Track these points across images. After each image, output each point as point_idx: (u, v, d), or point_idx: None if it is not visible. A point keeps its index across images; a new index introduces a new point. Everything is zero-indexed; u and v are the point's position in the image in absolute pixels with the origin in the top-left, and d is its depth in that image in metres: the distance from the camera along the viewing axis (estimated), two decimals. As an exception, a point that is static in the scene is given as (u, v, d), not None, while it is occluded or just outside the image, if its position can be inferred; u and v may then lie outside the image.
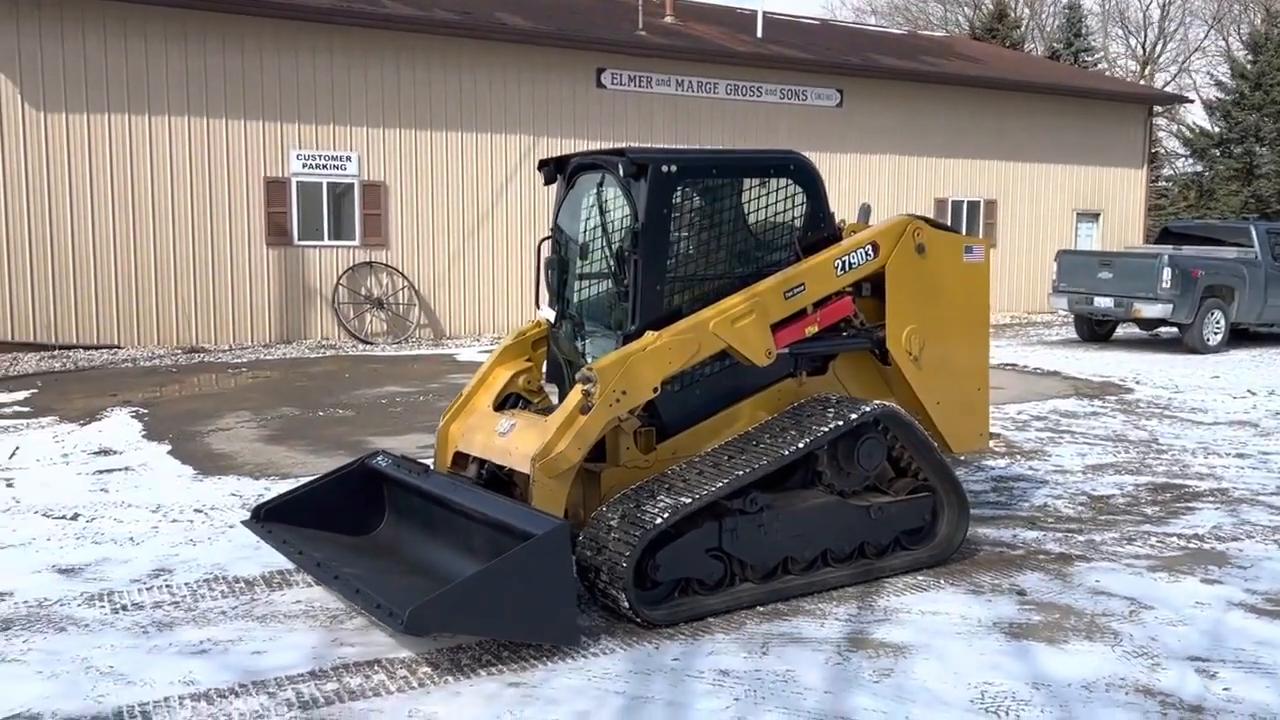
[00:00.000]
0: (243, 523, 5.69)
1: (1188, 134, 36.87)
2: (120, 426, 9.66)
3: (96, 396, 11.32)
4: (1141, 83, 40.69)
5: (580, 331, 5.90)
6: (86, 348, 14.86)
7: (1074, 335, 18.04)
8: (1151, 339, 17.99)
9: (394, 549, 5.54)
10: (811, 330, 5.76)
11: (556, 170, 6.04)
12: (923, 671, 4.44)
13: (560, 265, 5.97)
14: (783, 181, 5.83)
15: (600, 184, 5.75)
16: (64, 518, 6.71)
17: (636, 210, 5.37)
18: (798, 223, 5.88)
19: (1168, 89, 39.13)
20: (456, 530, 5.20)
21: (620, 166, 5.40)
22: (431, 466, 5.77)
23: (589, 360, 5.56)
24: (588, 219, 5.86)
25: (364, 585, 4.64)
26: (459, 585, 4.38)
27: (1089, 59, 38.22)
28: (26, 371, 13.28)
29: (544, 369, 6.11)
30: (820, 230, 5.93)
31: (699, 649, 4.68)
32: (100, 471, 7.98)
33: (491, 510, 4.91)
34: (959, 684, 4.33)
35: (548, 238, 6.09)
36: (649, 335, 5.21)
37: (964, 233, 22.04)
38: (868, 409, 5.55)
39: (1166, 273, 15.68)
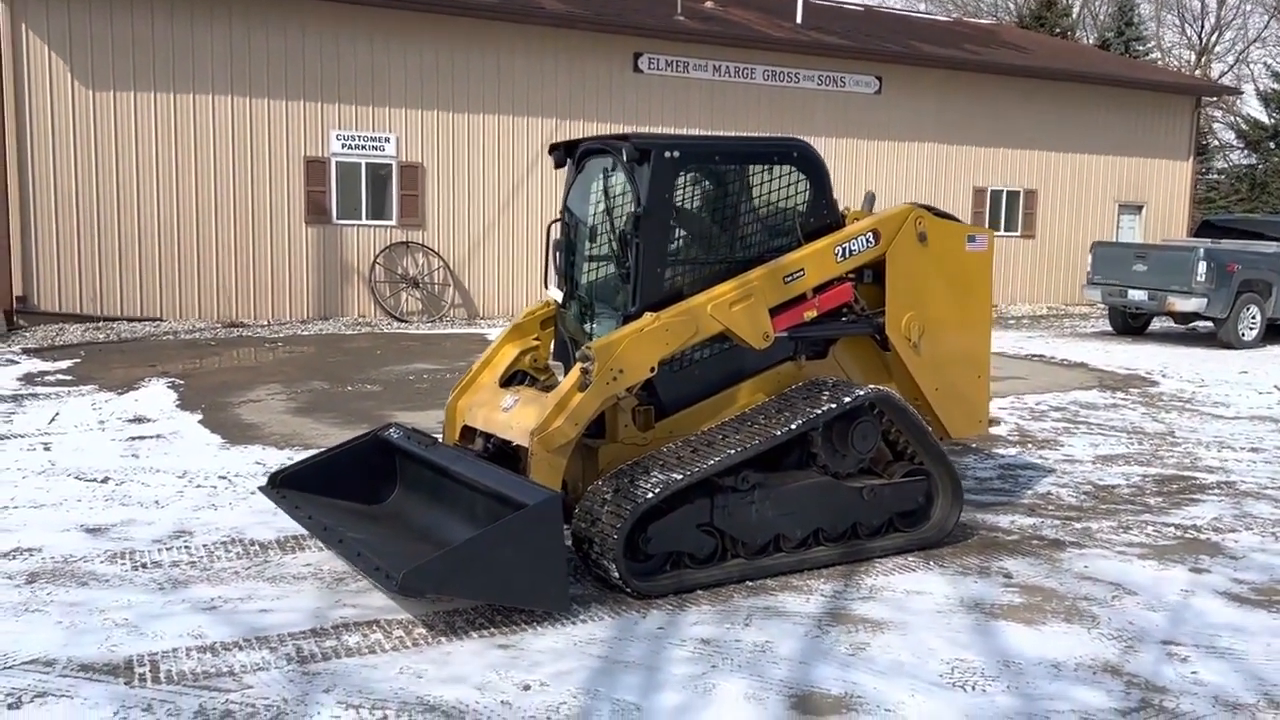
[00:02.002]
0: (259, 488, 5.94)
1: (1242, 125, 36.19)
2: (156, 396, 10.01)
3: (136, 367, 11.70)
4: (1197, 73, 39.99)
5: (587, 312, 6.07)
6: (130, 320, 15.30)
7: (1109, 328, 17.92)
8: (1187, 333, 17.82)
9: (402, 517, 5.77)
10: (810, 315, 5.88)
11: (566, 154, 6.21)
12: (897, 647, 4.59)
13: (568, 247, 6.15)
14: (786, 168, 5.95)
15: (607, 168, 5.91)
16: (95, 480, 7.03)
17: (639, 194, 5.52)
18: (800, 209, 6.00)
19: (1224, 80, 38.43)
20: (460, 500, 5.42)
21: (624, 151, 5.56)
22: (440, 439, 5.99)
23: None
24: (595, 202, 6.03)
25: (366, 549, 4.87)
26: (452, 550, 4.59)
27: (1140, 48, 37.60)
28: (71, 342, 13.72)
29: (551, 348, 6.30)
30: (823, 217, 6.05)
31: (684, 619, 4.86)
32: (133, 438, 8.31)
33: (491, 481, 5.12)
34: (930, 659, 4.46)
35: (557, 220, 6.27)
36: (647, 316, 5.38)
37: (1004, 223, 22.16)
38: (862, 393, 5.67)
39: (1201, 266, 15.53)
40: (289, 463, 7.22)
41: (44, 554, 5.56)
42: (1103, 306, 18.45)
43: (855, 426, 5.70)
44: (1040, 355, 14.65)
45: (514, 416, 5.52)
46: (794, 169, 5.95)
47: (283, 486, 5.80)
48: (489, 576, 4.56)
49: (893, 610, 5.02)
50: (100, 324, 14.98)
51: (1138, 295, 16.40)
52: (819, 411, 5.52)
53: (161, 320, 15.53)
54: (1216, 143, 38.42)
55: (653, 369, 5.38)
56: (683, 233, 5.72)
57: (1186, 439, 9.17)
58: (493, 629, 4.69)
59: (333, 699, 3.98)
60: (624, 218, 5.67)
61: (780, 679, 4.24)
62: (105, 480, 7.04)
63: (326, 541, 5.23)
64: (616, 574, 4.97)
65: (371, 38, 16.51)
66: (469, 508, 5.32)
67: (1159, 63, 38.60)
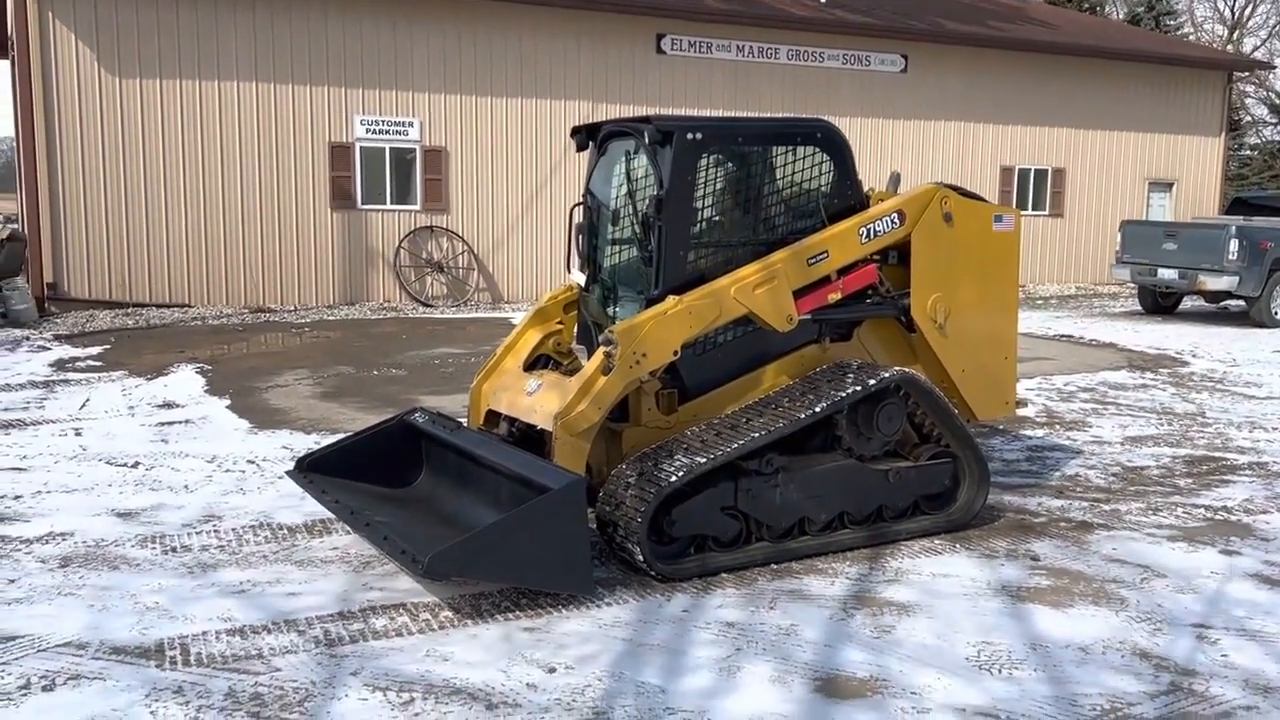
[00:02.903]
0: (286, 473, 5.99)
1: (1275, 100, 35.61)
2: (185, 382, 10.10)
3: (165, 353, 11.81)
4: (1229, 48, 39.35)
5: (610, 296, 6.07)
6: (159, 306, 15.43)
7: (1138, 308, 17.73)
8: (1218, 312, 17.60)
9: (427, 500, 5.80)
10: (834, 297, 5.85)
11: (588, 137, 6.19)
12: (923, 630, 4.57)
13: (591, 231, 6.14)
14: (809, 149, 5.90)
15: (630, 151, 5.89)
16: (125, 465, 7.10)
17: (661, 177, 5.50)
18: (824, 191, 5.96)
19: (1256, 54, 37.80)
20: (485, 484, 5.44)
21: (646, 133, 5.53)
22: (465, 423, 6.01)
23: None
24: (618, 185, 6.01)
25: (392, 533, 4.90)
26: (477, 534, 4.61)
27: (1171, 23, 37.02)
28: (101, 328, 13.86)
29: (575, 331, 6.30)
30: (847, 198, 6.00)
31: (708, 602, 4.86)
32: (163, 424, 8.39)
33: (515, 465, 5.13)
34: (957, 643, 4.45)
35: (579, 203, 6.25)
36: (670, 300, 5.36)
37: (1032, 202, 21.94)
38: (887, 375, 5.64)
39: (1233, 244, 15.32)
40: (316, 447, 7.29)
41: (76, 538, 5.63)
42: (1132, 286, 18.26)
43: (880, 409, 5.67)
44: (1069, 335, 14.52)
45: (538, 400, 5.52)
46: (818, 150, 5.91)
47: (309, 471, 5.84)
48: (514, 560, 4.58)
49: (919, 593, 5.00)
50: (129, 310, 15.12)
51: (1168, 274, 16.21)
52: (843, 394, 5.50)
53: (190, 306, 15.66)
54: (1249, 118, 37.83)
55: (676, 352, 5.37)
56: (705, 215, 5.69)
57: (1217, 419, 9.07)
58: (518, 612, 4.71)
59: (359, 681, 4.01)
60: (646, 200, 5.65)
61: (805, 662, 4.24)
62: (135, 465, 7.12)
63: (353, 525, 5.26)
64: (641, 557, 4.98)
65: (394, 22, 16.51)
66: (494, 492, 5.34)
67: (1190, 38, 38.01)
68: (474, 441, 5.58)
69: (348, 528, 5.68)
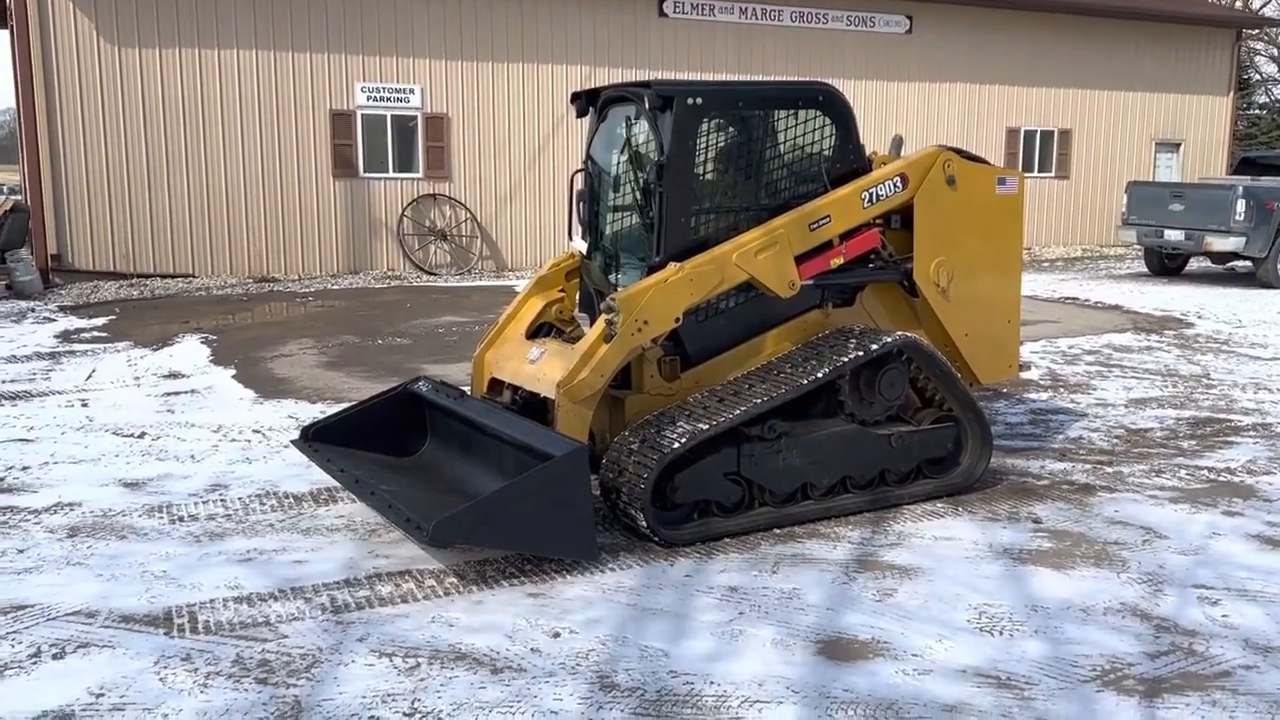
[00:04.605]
0: (291, 442, 6.01)
1: (1284, 59, 35.25)
2: (190, 352, 10.13)
3: (170, 323, 11.84)
4: (1238, 4, 38.90)
5: (612, 263, 6.05)
6: (163, 276, 15.44)
7: (1144, 269, 17.66)
8: (1225, 273, 17.53)
9: (432, 469, 5.83)
10: (837, 262, 5.83)
11: (589, 103, 6.16)
12: (925, 592, 4.60)
13: (592, 198, 6.11)
14: (811, 113, 5.86)
15: (630, 117, 5.85)
16: (132, 436, 7.14)
17: (662, 142, 5.47)
18: (827, 154, 5.92)
19: (1265, 10, 37.37)
20: (489, 452, 5.46)
21: (647, 98, 5.50)
22: (468, 392, 6.03)
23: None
24: (618, 151, 5.98)
25: (396, 500, 4.93)
26: (481, 501, 4.65)
27: (1180, -20, 36.54)
28: (106, 299, 13.89)
29: (577, 299, 6.30)
30: (850, 162, 5.96)
31: (711, 567, 4.89)
32: (168, 394, 8.42)
33: (518, 433, 5.15)
34: (958, 605, 4.48)
35: (580, 170, 6.23)
36: (671, 267, 5.35)
37: (1038, 164, 21.80)
38: (889, 339, 5.64)
39: (1240, 205, 15.24)
40: (321, 416, 7.32)
41: (84, 508, 5.68)
42: (1138, 248, 18.18)
43: (883, 374, 5.67)
44: (1074, 298, 14.48)
45: (540, 368, 5.53)
46: (819, 113, 5.87)
47: (314, 440, 5.87)
48: (517, 527, 4.61)
49: (921, 556, 5.02)
50: (134, 281, 15.13)
51: (1174, 235, 16.14)
52: (846, 359, 5.50)
53: (194, 276, 15.67)
54: (1258, 77, 37.48)
55: (678, 319, 5.36)
56: (707, 180, 5.67)
57: (1222, 381, 9.06)
58: (523, 578, 4.75)
59: (366, 648, 4.05)
60: (647, 166, 5.62)
61: (807, 625, 4.27)
62: (142, 435, 7.15)
63: (358, 494, 5.29)
64: (644, 523, 5.00)
65: (394, -12, 16.39)
66: (498, 460, 5.36)
67: (1199, -5, 37.52)
68: (477, 410, 5.60)
69: (353, 496, 5.72)
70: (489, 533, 4.63)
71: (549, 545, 4.78)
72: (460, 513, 4.57)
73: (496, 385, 6.02)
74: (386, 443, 5.96)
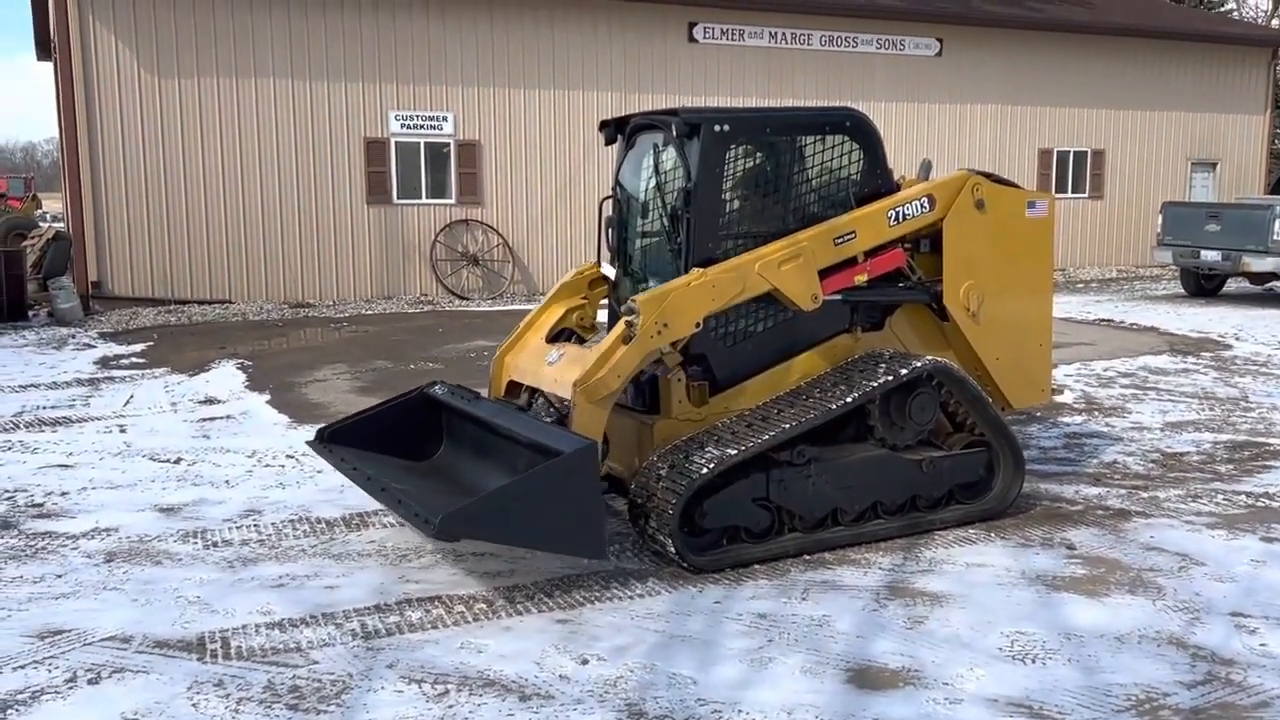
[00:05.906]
0: (307, 443, 6.04)
1: (1321, 76, 34.81)
2: (226, 378, 10.26)
3: (206, 349, 11.99)
4: (1274, 23, 38.54)
5: (640, 288, 6.06)
6: (200, 303, 15.65)
7: (1180, 291, 17.46)
8: (1263, 294, 17.30)
9: (447, 471, 5.82)
10: (861, 279, 5.81)
11: (617, 130, 6.20)
12: (956, 620, 4.56)
13: (621, 224, 6.15)
14: (839, 138, 5.88)
15: (658, 144, 5.89)
16: (168, 461, 7.24)
17: (689, 169, 5.50)
18: (854, 179, 5.93)
19: (1301, 29, 36.95)
20: (502, 452, 5.46)
21: (674, 126, 5.54)
22: (484, 394, 6.05)
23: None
24: (647, 178, 6.01)
25: (407, 498, 4.93)
26: (488, 495, 4.67)
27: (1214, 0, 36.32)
28: (144, 325, 14.09)
29: (605, 317, 6.31)
30: (878, 186, 5.96)
31: (740, 593, 4.88)
32: (204, 419, 8.53)
33: (529, 431, 5.16)
34: (990, 633, 4.43)
35: (609, 197, 6.27)
36: (694, 272, 5.35)
37: (1071, 184, 21.65)
38: (919, 364, 5.61)
39: (1277, 225, 15.04)
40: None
41: (120, 533, 5.75)
42: (1174, 269, 17.98)
43: (913, 398, 5.64)
44: (1108, 320, 14.34)
45: (559, 371, 5.55)
46: (847, 138, 5.88)
47: (330, 441, 5.86)
48: (525, 522, 4.58)
49: (952, 583, 4.98)
50: (171, 307, 15.35)
51: (1211, 256, 15.95)
52: (875, 384, 5.48)
53: (230, 302, 15.87)
54: (1295, 95, 37.00)
55: (698, 325, 5.35)
56: (734, 206, 5.69)
57: (1260, 404, 8.93)
58: (551, 604, 4.75)
59: (395, 674, 4.08)
60: (675, 193, 5.65)
61: (837, 653, 4.25)
62: (178, 461, 7.25)
63: (370, 491, 5.25)
64: (673, 549, 5.00)
65: (428, 16, 16.59)
66: (511, 460, 5.35)
67: (1233, 14, 37.25)
68: (491, 411, 5.61)
69: (379, 508, 5.70)
70: (496, 528, 4.62)
71: (557, 543, 4.76)
72: (467, 506, 4.58)
73: (514, 388, 6.06)
74: (402, 446, 5.95)
